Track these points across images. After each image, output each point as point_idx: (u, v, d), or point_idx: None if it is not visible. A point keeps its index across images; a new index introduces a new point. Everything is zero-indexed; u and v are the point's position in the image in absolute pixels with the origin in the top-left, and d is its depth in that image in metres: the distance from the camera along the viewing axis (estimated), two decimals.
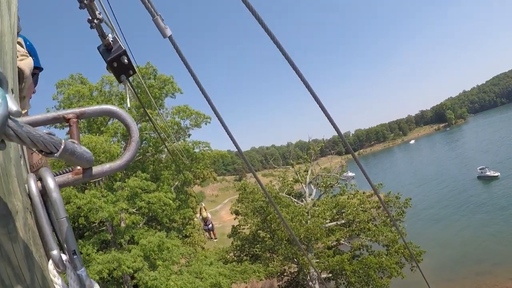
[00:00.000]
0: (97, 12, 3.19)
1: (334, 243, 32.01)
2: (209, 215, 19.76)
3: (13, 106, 0.69)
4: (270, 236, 31.49)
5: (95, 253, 23.23)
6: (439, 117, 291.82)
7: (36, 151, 0.85)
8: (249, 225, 33.71)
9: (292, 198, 35.54)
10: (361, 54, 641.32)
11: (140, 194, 26.16)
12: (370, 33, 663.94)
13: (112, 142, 27.76)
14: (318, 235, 28.37)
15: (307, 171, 37.84)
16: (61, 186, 1.06)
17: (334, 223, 32.18)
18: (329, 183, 35.76)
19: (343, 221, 32.17)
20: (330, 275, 29.08)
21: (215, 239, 21.81)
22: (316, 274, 28.58)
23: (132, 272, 22.69)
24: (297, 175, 38.33)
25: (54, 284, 0.99)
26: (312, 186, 37.51)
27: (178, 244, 27.05)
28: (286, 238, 28.62)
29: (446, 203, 64.37)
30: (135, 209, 26.44)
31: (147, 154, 32.52)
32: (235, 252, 34.54)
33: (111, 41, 3.35)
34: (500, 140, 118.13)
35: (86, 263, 21.64)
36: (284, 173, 39.66)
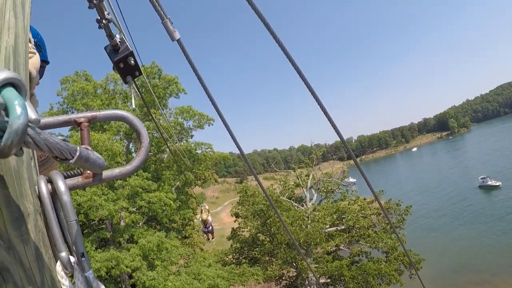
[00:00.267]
0: (105, 13, 3.20)
1: (334, 248, 31.99)
2: (210, 218, 19.66)
3: (32, 114, 0.70)
4: (270, 240, 31.49)
5: (94, 250, 23.27)
6: (442, 125, 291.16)
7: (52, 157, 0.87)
8: (249, 228, 33.70)
9: (292, 202, 35.53)
10: (365, 60, 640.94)
11: (141, 193, 26.18)
12: (374, 40, 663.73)
13: (114, 140, 27.83)
14: (318, 240, 28.37)
15: (309, 176, 37.83)
16: (71, 189, 1.08)
17: (334, 228, 32.15)
18: (330, 188, 35.77)
19: (343, 227, 32.14)
20: (329, 280, 29.02)
21: (213, 238, 21.75)
22: (314, 279, 28.55)
23: (130, 271, 22.70)
24: (298, 179, 38.29)
25: (62, 286, 1.01)
26: (313, 191, 37.49)
27: (177, 244, 27.05)
28: (286, 242, 28.62)
29: (446, 211, 64.21)
30: (135, 208, 26.46)
31: (149, 154, 32.51)
32: (234, 254, 34.53)
33: (119, 41, 3.35)
34: (502, 149, 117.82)
35: None
36: (285, 177, 39.68)
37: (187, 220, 34.43)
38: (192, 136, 34.51)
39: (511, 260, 38.61)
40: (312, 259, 29.90)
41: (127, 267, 22.05)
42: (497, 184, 71.35)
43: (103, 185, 26.17)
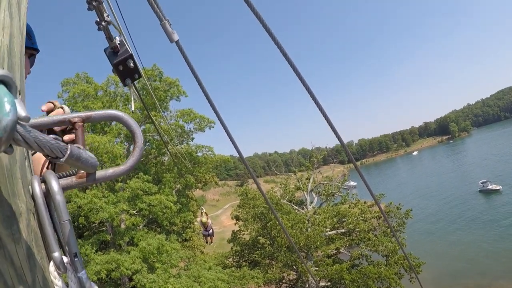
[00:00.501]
0: (105, 15, 3.19)
1: (334, 251, 31.96)
2: (210, 221, 19.61)
3: (22, 111, 0.70)
4: (270, 243, 31.48)
5: (94, 253, 23.21)
6: (442, 129, 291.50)
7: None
8: (249, 231, 33.69)
9: (293, 205, 35.53)
10: (365, 64, 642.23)
11: (141, 196, 26.15)
12: (376, 44, 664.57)
13: (115, 143, 27.82)
14: (318, 243, 28.34)
15: (309, 179, 37.84)
16: (64, 189, 1.08)
17: (334, 231, 32.13)
18: (330, 191, 35.77)
19: (343, 230, 32.12)
20: (329, 283, 28.95)
21: (211, 243, 21.73)
22: (314, 282, 28.49)
23: (131, 274, 22.65)
24: (299, 182, 38.29)
25: (55, 286, 1.00)
26: (314, 194, 37.50)
27: (178, 247, 27.02)
28: (286, 245, 28.59)
29: (447, 216, 64.17)
30: (135, 211, 26.42)
31: (150, 156, 32.52)
32: (234, 257, 34.51)
33: (118, 44, 3.34)
34: (503, 154, 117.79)
35: (85, 263, 21.59)
36: (286, 180, 39.67)
37: (187, 223, 34.38)
38: (193, 139, 34.52)
39: (510, 265, 38.55)
40: (312, 262, 29.85)
41: (127, 269, 22.00)
42: (497, 188, 71.35)
43: (103, 187, 26.17)
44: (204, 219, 19.00)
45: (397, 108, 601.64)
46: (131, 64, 3.34)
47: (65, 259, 1.04)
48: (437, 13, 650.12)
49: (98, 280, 21.32)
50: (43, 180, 1.09)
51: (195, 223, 34.51)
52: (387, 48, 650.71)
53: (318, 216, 31.63)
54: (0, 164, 0.91)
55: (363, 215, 31.69)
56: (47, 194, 1.07)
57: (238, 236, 34.98)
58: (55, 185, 1.03)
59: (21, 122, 0.73)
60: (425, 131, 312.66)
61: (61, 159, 0.93)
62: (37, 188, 1.06)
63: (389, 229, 30.89)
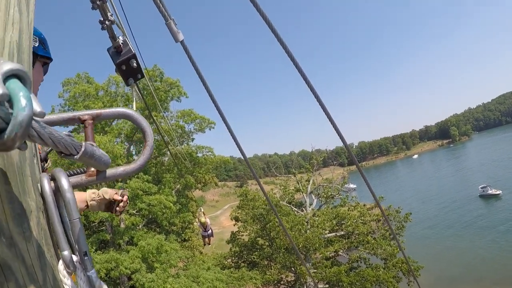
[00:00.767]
0: (109, 14, 3.19)
1: (332, 254, 31.96)
2: (208, 221, 19.56)
3: (37, 106, 0.69)
4: (269, 244, 31.48)
5: (94, 252, 23.22)
6: (443, 133, 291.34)
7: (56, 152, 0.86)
8: (248, 232, 33.72)
9: (292, 207, 35.55)
10: (366, 67, 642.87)
11: (141, 195, 26.13)
12: (376, 46, 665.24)
13: (115, 143, 27.81)
14: (317, 245, 28.37)
15: (309, 181, 37.88)
16: (74, 187, 1.07)
17: (333, 234, 32.16)
18: (330, 193, 35.80)
19: (342, 233, 32.15)
20: (327, 286, 28.93)
21: (209, 244, 21.71)
22: (312, 284, 28.50)
23: (130, 273, 22.62)
24: (298, 184, 38.32)
25: (64, 285, 0.99)
26: (313, 196, 37.53)
27: (177, 247, 27.01)
28: (285, 247, 28.61)
29: (446, 220, 64.13)
30: (135, 211, 26.41)
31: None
32: (233, 258, 34.53)
33: (121, 43, 3.33)
34: (503, 159, 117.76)
35: None
36: (285, 181, 39.73)
37: (187, 223, 34.36)
38: (193, 140, 34.56)
39: (511, 269, 38.52)
40: (310, 264, 29.87)
41: (126, 269, 21.99)
42: (497, 193, 71.28)
43: (103, 186, 26.14)
44: (203, 219, 18.95)
45: (398, 111, 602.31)
46: (134, 64, 3.34)
47: (75, 257, 1.03)
48: (438, 16, 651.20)
49: (103, 283, 21.30)
50: (52, 178, 1.07)
51: (195, 223, 34.49)
52: (388, 50, 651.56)
53: (317, 218, 31.66)
54: (11, 162, 0.90)
55: (362, 217, 31.72)
56: (56, 192, 1.06)
57: (237, 237, 35.00)
58: (65, 183, 1.02)
59: (36, 118, 0.71)
60: (425, 134, 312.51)
61: (76, 156, 0.92)
62: (47, 186, 1.04)
63: (388, 232, 30.92)
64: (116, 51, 3.37)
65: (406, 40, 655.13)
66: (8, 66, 0.65)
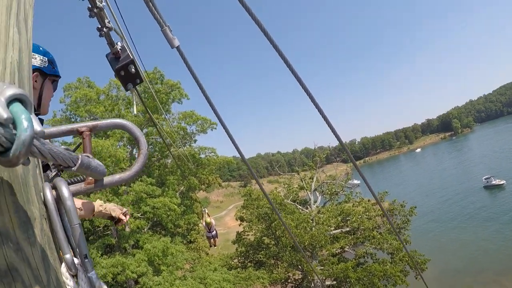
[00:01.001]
0: (106, 21, 3.24)
1: (339, 250, 31.95)
2: (213, 221, 19.50)
3: (37, 126, 0.77)
4: (275, 243, 31.50)
5: (100, 257, 23.29)
6: (445, 126, 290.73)
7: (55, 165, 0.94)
8: (253, 231, 33.72)
9: (297, 205, 35.53)
10: (367, 62, 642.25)
11: (145, 199, 26.21)
12: (377, 42, 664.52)
13: (118, 147, 27.90)
14: (323, 242, 28.35)
15: (313, 178, 37.86)
16: (74, 194, 1.15)
17: (339, 230, 32.13)
18: (334, 190, 35.76)
19: (347, 229, 32.10)
20: (335, 282, 28.96)
21: (214, 245, 21.66)
22: (322, 281, 28.52)
23: (136, 277, 22.71)
24: (302, 182, 38.29)
25: (67, 286, 1.08)
26: (317, 193, 37.51)
27: (183, 249, 27.08)
28: (291, 245, 28.62)
29: (451, 212, 64.07)
30: (140, 214, 26.49)
31: (153, 159, 32.60)
32: (239, 258, 34.54)
33: (120, 49, 3.38)
34: (505, 149, 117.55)
35: None
36: (289, 180, 39.67)
37: (192, 225, 34.44)
38: (195, 141, 34.60)
39: None
40: (317, 261, 29.88)
41: (132, 272, 22.06)
42: (501, 182, 71.34)
43: (107, 191, 26.24)
44: (208, 220, 18.88)
45: (399, 105, 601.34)
46: (133, 70, 3.39)
47: (76, 260, 1.12)
48: (438, 11, 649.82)
49: (104, 283, 21.33)
50: (54, 187, 1.15)
51: (200, 225, 34.56)
52: (389, 46, 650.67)
53: (322, 215, 31.64)
54: (16, 174, 0.98)
55: (367, 213, 31.68)
56: (58, 200, 1.13)
57: (243, 237, 35.01)
58: (65, 191, 1.10)
59: (37, 136, 0.78)
60: (427, 128, 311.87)
61: (73, 168, 0.99)
62: (49, 195, 1.12)
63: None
64: (114, 57, 3.42)
65: (406, 37, 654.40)
66: (11, 91, 0.72)
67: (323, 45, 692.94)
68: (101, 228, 28.05)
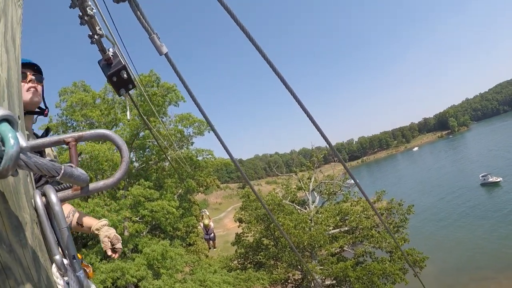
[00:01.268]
0: (97, 28, 3.29)
1: (338, 250, 32.01)
2: (212, 224, 19.43)
3: (23, 142, 0.88)
4: (274, 244, 31.57)
5: (99, 262, 23.24)
6: (442, 124, 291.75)
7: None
8: (252, 232, 33.77)
9: (295, 205, 35.59)
10: (363, 62, 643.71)
11: (143, 202, 26.19)
12: (372, 42, 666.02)
13: (115, 150, 27.90)
14: (322, 242, 28.42)
15: (310, 179, 37.92)
16: (62, 200, 1.25)
17: (338, 230, 32.22)
18: (332, 190, 35.85)
19: (346, 228, 32.19)
20: (334, 281, 29.04)
21: (214, 248, 21.63)
22: (320, 281, 28.58)
23: (136, 281, 22.67)
24: (300, 182, 38.36)
25: (57, 285, 1.19)
26: (315, 194, 37.57)
27: (182, 252, 27.06)
28: (290, 245, 28.63)
29: (449, 210, 64.33)
30: (138, 218, 26.47)
31: (150, 162, 32.59)
32: (239, 259, 34.59)
33: (111, 55, 3.42)
34: (502, 147, 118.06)
35: None
36: (287, 180, 39.73)
37: (190, 227, 34.45)
38: (192, 143, 34.54)
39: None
40: (316, 261, 29.95)
41: (132, 277, 22.00)
42: (498, 180, 71.86)
43: (105, 195, 26.26)
44: (206, 222, 18.80)
45: (396, 105, 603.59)
46: (125, 75, 3.43)
47: (65, 261, 1.22)
48: (432, 9, 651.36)
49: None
50: (43, 194, 1.24)
51: (199, 227, 34.58)
52: (384, 46, 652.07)
53: (320, 215, 31.71)
54: (7, 183, 1.08)
55: (365, 212, 31.75)
56: (47, 206, 1.23)
57: (242, 238, 35.06)
58: (53, 197, 1.19)
59: (23, 151, 0.88)
60: (424, 127, 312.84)
61: (57, 177, 1.09)
62: (39, 201, 1.22)
63: (391, 225, 31.04)
64: (106, 63, 3.47)
65: (401, 34, 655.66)
66: None
67: (316, 48, 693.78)
68: None
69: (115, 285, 22.67)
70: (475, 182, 76.96)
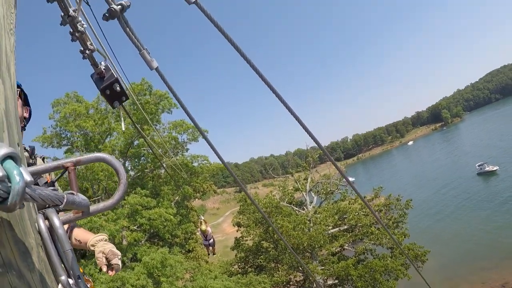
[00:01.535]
0: (88, 43, 3.32)
1: (338, 249, 31.98)
2: (210, 229, 19.34)
3: (27, 177, 0.92)
4: (274, 246, 31.49)
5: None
6: (435, 117, 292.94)
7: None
8: (251, 236, 33.65)
9: (293, 207, 35.56)
10: (354, 60, 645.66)
11: (141, 211, 26.17)
12: (361, 40, 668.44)
13: None
14: (322, 242, 28.38)
15: (307, 179, 37.92)
16: (65, 223, 1.30)
17: (337, 229, 32.20)
18: (329, 189, 35.88)
19: (345, 227, 32.19)
20: (336, 281, 29.01)
21: (213, 254, 21.55)
22: (322, 281, 28.56)
23: None
24: (297, 183, 38.38)
25: None
26: (313, 194, 37.57)
27: (181, 259, 26.96)
28: (289, 248, 28.52)
29: (448, 201, 64.57)
30: (136, 226, 26.45)
31: (146, 171, 32.57)
32: (239, 264, 34.46)
33: (103, 69, 3.46)
34: (495, 135, 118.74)
35: None
36: (284, 182, 39.71)
37: (189, 234, 34.42)
38: (187, 150, 34.54)
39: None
40: (317, 261, 29.92)
41: (132, 286, 21.89)
42: (494, 169, 72.38)
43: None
44: (203, 227, 18.71)
45: (389, 100, 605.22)
46: (118, 88, 3.47)
47: (71, 281, 1.26)
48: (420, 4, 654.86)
49: None
50: (46, 217, 1.29)
51: (197, 233, 34.52)
52: (373, 44, 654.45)
53: (319, 215, 31.70)
54: (13, 212, 1.09)
55: (363, 209, 31.75)
56: (51, 229, 1.28)
57: (241, 242, 34.94)
58: (56, 221, 1.24)
59: (28, 185, 0.93)
60: (418, 120, 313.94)
61: (60, 206, 1.15)
62: (42, 225, 1.27)
63: (391, 221, 31.12)
64: (99, 77, 3.50)
65: (389, 32, 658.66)
66: (3, 151, 0.88)
67: (308, 47, 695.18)
68: None
69: None
70: (471, 172, 77.36)
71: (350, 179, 58.08)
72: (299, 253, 28.30)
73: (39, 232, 1.27)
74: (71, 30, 3.09)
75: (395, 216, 31.79)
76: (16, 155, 0.92)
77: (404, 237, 29.29)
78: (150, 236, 30.54)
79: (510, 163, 73.86)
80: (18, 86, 2.96)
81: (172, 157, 30.54)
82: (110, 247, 2.80)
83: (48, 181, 2.64)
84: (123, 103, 3.81)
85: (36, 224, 1.29)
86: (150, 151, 30.46)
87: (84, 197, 1.24)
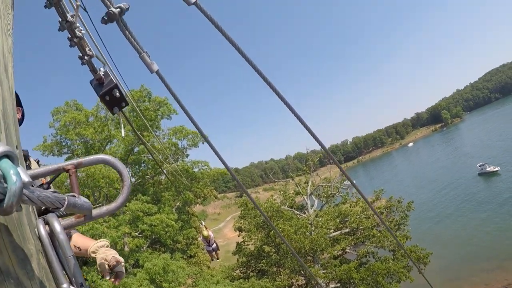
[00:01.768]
0: (87, 49, 3.29)
1: (340, 252, 31.92)
2: (212, 234, 19.22)
3: (25, 177, 0.87)
4: (275, 250, 31.41)
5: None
6: (435, 118, 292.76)
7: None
8: (253, 240, 33.57)
9: (294, 210, 35.48)
10: (352, 63, 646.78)
11: (142, 217, 26.13)
12: (360, 44, 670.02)
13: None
14: (323, 245, 28.30)
15: (308, 183, 37.85)
16: (66, 228, 1.24)
17: (338, 232, 32.12)
18: (330, 192, 35.81)
19: (347, 230, 32.09)
20: (339, 284, 28.86)
21: (217, 259, 21.39)
22: (324, 284, 28.45)
23: None
24: (297, 187, 38.30)
25: None
26: (314, 197, 37.47)
27: (183, 265, 26.89)
28: (291, 251, 28.42)
29: (449, 202, 64.41)
30: (138, 233, 26.39)
31: (147, 177, 32.52)
32: (241, 268, 34.33)
33: (103, 75, 3.42)
34: (496, 135, 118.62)
35: None
36: (284, 186, 39.62)
37: (191, 239, 34.35)
38: (187, 155, 34.49)
39: None
40: (319, 265, 29.81)
41: None
42: (496, 169, 72.09)
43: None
44: (205, 233, 18.57)
45: (388, 102, 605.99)
46: (117, 94, 3.42)
47: None
48: (419, 5, 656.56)
49: None
50: (46, 222, 1.23)
51: (199, 239, 34.41)
52: (371, 46, 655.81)
53: (320, 219, 31.61)
54: (10, 216, 1.06)
55: (365, 212, 31.66)
56: (51, 234, 1.22)
57: (243, 247, 34.82)
58: (57, 226, 1.19)
59: (26, 186, 0.87)
60: (417, 121, 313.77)
61: (61, 209, 1.09)
62: (43, 231, 1.21)
63: (392, 223, 31.01)
64: (98, 83, 3.46)
65: (387, 35, 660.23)
66: None
67: (308, 49, 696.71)
68: None
69: None
70: (472, 173, 77.13)
71: None
72: (301, 257, 28.18)
73: (39, 238, 1.21)
74: (69, 36, 3.06)
75: (396, 218, 31.68)
76: (13, 154, 0.87)
77: (406, 240, 29.20)
78: (152, 242, 30.48)
79: (511, 163, 73.67)
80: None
81: (173, 163, 30.48)
82: (112, 253, 2.66)
83: (44, 183, 2.51)
84: (122, 109, 3.77)
85: (36, 230, 1.23)
86: (151, 157, 30.42)
87: (86, 200, 1.18)
